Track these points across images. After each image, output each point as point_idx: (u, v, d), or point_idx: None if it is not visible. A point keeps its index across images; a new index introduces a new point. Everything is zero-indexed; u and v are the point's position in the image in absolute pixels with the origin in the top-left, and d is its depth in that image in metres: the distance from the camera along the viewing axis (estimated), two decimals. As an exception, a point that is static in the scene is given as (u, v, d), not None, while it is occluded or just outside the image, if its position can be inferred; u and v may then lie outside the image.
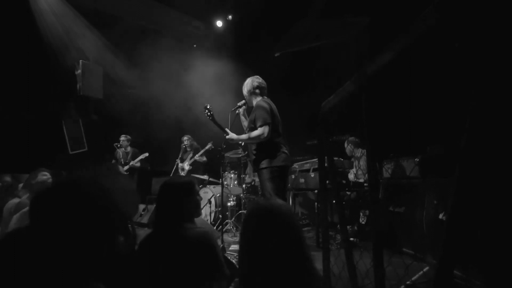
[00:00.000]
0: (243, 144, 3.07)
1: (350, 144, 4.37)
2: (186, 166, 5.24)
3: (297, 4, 4.94)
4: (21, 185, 3.26)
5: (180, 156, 5.42)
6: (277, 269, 0.81)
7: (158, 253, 1.22)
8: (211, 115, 3.07)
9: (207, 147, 5.17)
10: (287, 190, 3.16)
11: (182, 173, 5.24)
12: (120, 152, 5.70)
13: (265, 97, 3.01)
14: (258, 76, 3.11)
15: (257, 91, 3.02)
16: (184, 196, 1.42)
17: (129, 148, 5.77)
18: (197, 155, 5.19)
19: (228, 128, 3.03)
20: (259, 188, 4.70)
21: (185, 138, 5.41)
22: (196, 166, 5.32)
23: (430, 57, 2.82)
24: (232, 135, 2.94)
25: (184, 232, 1.28)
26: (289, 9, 5.12)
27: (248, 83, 3.06)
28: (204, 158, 5.33)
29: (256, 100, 3.00)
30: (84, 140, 5.97)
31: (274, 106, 2.96)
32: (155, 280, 1.13)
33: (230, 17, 6.76)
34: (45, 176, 2.55)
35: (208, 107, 3.08)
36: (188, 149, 5.36)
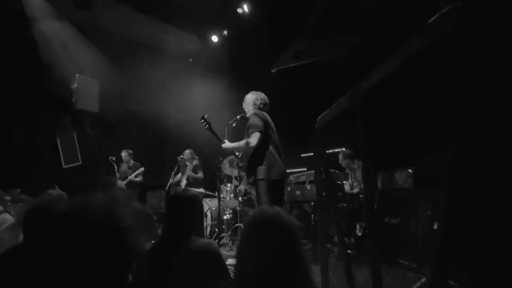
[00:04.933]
0: (240, 155, 3.10)
1: (346, 158, 4.41)
2: (184, 180, 5.23)
3: (292, 20, 5.09)
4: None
5: (175, 170, 5.39)
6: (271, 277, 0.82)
7: (167, 263, 1.24)
8: (209, 124, 3.17)
9: (194, 162, 5.26)
10: (283, 203, 3.17)
11: (178, 187, 5.21)
12: (122, 166, 5.64)
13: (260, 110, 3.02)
14: (262, 93, 3.12)
15: (261, 106, 3.04)
16: (193, 209, 1.43)
17: (131, 162, 5.68)
18: (188, 170, 5.20)
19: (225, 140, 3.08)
20: (254, 201, 4.68)
21: (188, 152, 5.38)
22: (193, 181, 5.30)
23: (424, 68, 2.91)
24: (227, 144, 3.04)
25: (192, 243, 1.30)
26: (284, 25, 5.26)
27: (252, 98, 3.07)
28: (201, 174, 5.33)
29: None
30: (78, 154, 5.92)
31: (269, 119, 2.99)
32: None
33: (225, 32, 6.89)
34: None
35: (205, 117, 3.18)
36: (187, 164, 5.33)
